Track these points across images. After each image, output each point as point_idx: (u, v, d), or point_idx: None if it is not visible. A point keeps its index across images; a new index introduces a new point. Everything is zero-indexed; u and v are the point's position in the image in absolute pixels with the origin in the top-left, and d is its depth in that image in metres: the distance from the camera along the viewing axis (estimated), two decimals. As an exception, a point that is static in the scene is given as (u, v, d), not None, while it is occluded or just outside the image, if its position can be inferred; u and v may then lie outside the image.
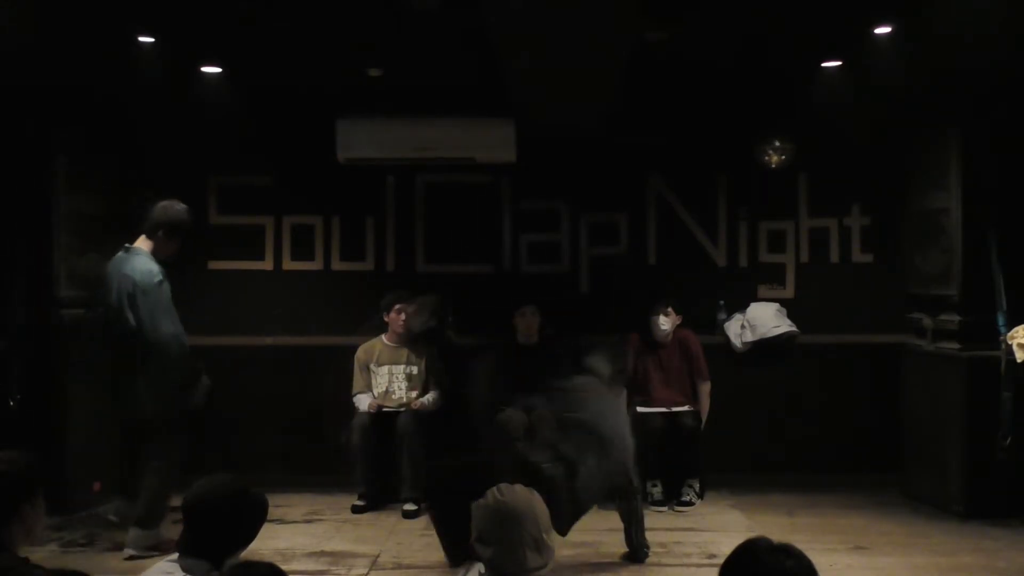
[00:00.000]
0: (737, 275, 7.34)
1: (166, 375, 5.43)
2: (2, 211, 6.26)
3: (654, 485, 6.61)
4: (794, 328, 7.09)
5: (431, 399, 6.79)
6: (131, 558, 5.31)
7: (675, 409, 6.71)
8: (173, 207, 5.63)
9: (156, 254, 5.61)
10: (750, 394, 7.14)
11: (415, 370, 6.86)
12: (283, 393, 7.19)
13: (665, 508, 6.52)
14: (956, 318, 6.42)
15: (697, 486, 6.66)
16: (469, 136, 6.86)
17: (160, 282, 5.52)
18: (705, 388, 6.84)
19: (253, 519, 3.04)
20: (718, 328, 7.23)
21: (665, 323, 6.81)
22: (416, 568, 5.38)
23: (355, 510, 6.50)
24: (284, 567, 2.56)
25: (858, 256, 7.29)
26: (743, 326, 7.14)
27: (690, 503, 6.56)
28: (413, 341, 6.38)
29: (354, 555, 5.57)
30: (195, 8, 5.23)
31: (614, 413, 5.39)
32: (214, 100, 6.61)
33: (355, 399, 6.80)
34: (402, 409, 6.67)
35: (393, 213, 7.38)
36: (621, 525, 6.14)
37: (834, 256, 7.31)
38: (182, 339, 5.57)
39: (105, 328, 5.53)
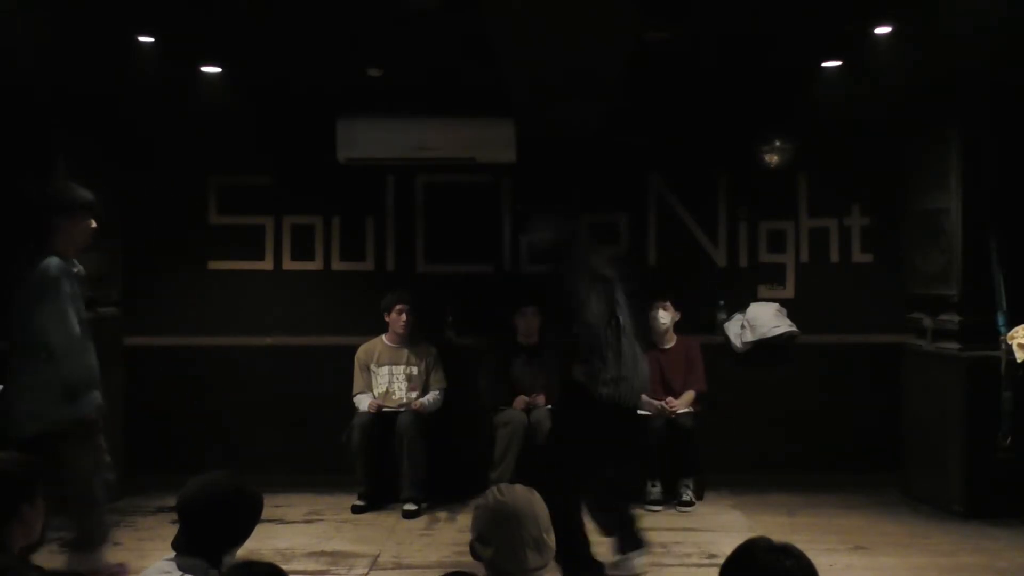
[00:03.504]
0: (737, 275, 7.34)
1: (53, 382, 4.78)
2: (2, 211, 6.26)
3: (653, 485, 6.62)
4: (794, 328, 7.09)
5: (431, 399, 6.79)
6: None
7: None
8: (59, 189, 5.08)
9: (66, 248, 4.92)
10: (750, 394, 7.14)
11: (415, 370, 6.86)
12: (283, 393, 7.19)
13: (660, 508, 6.53)
14: (956, 318, 6.42)
15: (692, 484, 6.66)
16: (469, 136, 6.86)
17: (53, 277, 4.82)
18: (691, 395, 6.76)
19: (249, 516, 3.04)
20: (718, 328, 7.23)
21: (664, 317, 6.82)
22: (416, 568, 5.38)
23: (355, 510, 6.50)
24: (284, 567, 2.56)
25: (858, 256, 7.29)
26: (743, 326, 7.14)
27: (691, 503, 6.56)
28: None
29: (354, 555, 5.58)
30: (195, 8, 5.23)
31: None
32: (214, 100, 6.60)
33: (355, 399, 6.80)
34: (402, 409, 6.67)
35: (393, 213, 7.38)
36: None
37: (834, 256, 7.30)
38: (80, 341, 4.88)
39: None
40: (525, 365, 6.79)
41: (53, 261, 4.93)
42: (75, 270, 4.99)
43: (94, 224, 5.03)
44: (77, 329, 4.87)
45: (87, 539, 5.04)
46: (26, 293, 4.89)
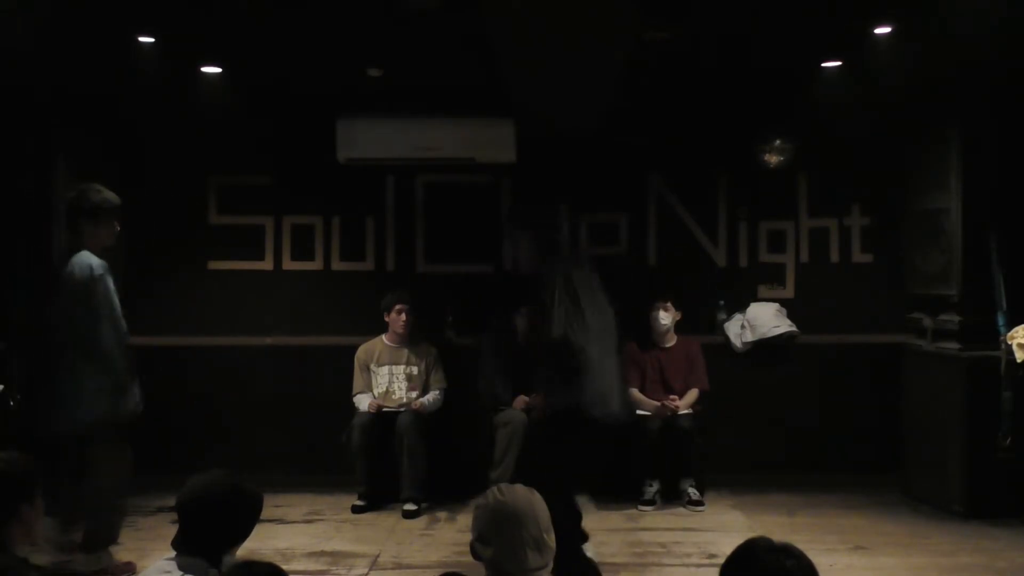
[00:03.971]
0: (737, 275, 7.34)
1: (101, 380, 5.05)
2: (2, 211, 6.27)
3: (649, 485, 6.62)
4: (794, 328, 7.09)
5: (431, 399, 6.79)
6: None
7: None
8: (86, 192, 5.27)
9: (97, 246, 5.23)
10: (750, 394, 7.14)
11: (415, 370, 6.86)
12: (283, 393, 7.19)
13: (652, 508, 6.53)
14: (956, 318, 6.42)
15: (695, 484, 6.65)
16: (469, 136, 6.86)
17: (99, 276, 5.07)
18: (694, 393, 6.79)
19: (248, 515, 3.03)
20: (718, 328, 7.23)
21: (665, 317, 6.82)
22: (416, 568, 5.37)
23: (355, 510, 6.50)
24: (284, 567, 2.56)
25: (858, 256, 7.29)
26: (743, 326, 7.13)
27: (700, 502, 6.56)
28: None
29: (354, 555, 5.58)
30: (195, 8, 5.23)
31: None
32: (214, 100, 6.60)
33: (355, 399, 6.80)
34: (402, 409, 6.67)
35: (393, 213, 7.38)
36: (621, 525, 6.18)
37: (834, 256, 7.30)
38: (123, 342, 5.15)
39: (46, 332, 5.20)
40: (525, 365, 6.78)
41: (95, 260, 5.14)
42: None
43: (118, 227, 5.30)
44: (124, 327, 5.14)
45: (94, 538, 5.15)
46: (67, 292, 5.06)
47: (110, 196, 5.28)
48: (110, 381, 5.04)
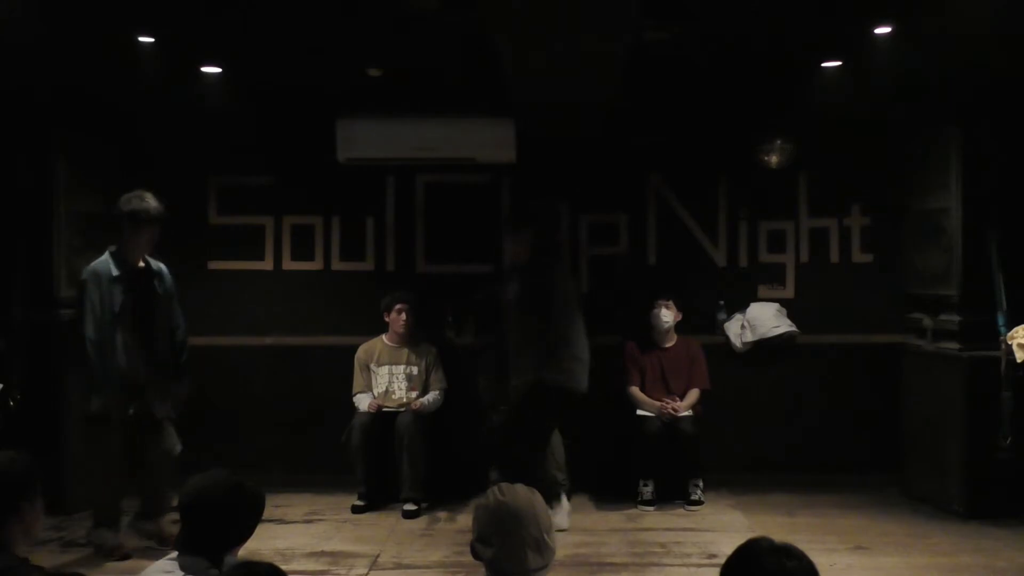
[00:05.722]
0: (737, 275, 7.33)
1: (89, 376, 5.48)
2: (2, 211, 6.27)
3: (645, 484, 6.62)
4: (794, 328, 7.09)
5: (431, 399, 6.79)
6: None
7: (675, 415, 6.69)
8: (129, 199, 5.56)
9: (128, 251, 5.57)
10: (750, 394, 7.14)
11: (415, 370, 6.86)
12: (283, 393, 7.20)
13: (652, 508, 6.53)
14: (956, 318, 6.42)
15: (701, 483, 6.65)
16: (469, 136, 6.85)
17: (83, 281, 5.48)
18: (695, 394, 6.79)
19: (250, 513, 3.03)
20: (718, 328, 7.23)
21: (666, 315, 6.82)
22: (416, 568, 5.38)
23: (355, 510, 6.50)
24: (284, 567, 2.56)
25: (858, 256, 7.28)
26: (743, 326, 7.14)
27: (699, 502, 6.56)
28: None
29: (354, 555, 5.58)
30: (195, 8, 5.23)
31: None
32: (214, 100, 6.61)
33: (355, 399, 6.80)
34: (402, 409, 6.67)
35: (393, 213, 7.38)
36: (621, 525, 6.18)
37: (834, 256, 7.30)
38: (99, 343, 5.44)
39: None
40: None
41: (91, 265, 5.52)
42: (117, 273, 5.47)
43: (156, 235, 5.61)
44: (91, 329, 5.40)
45: (95, 517, 5.57)
46: None
47: (151, 204, 5.54)
48: (88, 378, 5.48)
